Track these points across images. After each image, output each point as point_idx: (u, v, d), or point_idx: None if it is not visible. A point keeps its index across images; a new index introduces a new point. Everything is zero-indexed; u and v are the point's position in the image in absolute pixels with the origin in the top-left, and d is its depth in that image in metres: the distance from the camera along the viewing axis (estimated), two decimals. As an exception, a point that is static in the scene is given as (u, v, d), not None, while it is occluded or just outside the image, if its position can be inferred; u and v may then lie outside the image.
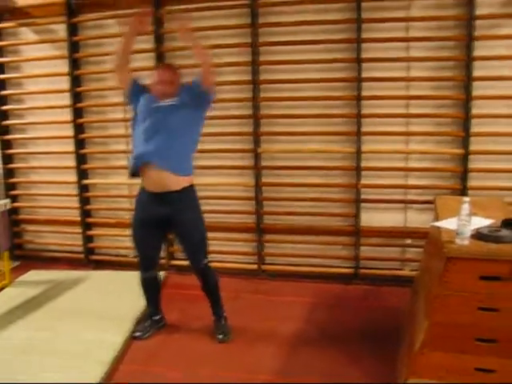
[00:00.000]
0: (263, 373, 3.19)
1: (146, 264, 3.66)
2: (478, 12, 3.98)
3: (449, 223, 2.82)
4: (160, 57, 4.67)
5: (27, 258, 5.41)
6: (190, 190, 3.45)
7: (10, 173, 5.34)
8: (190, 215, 3.46)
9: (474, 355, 2.57)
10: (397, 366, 3.09)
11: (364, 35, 4.19)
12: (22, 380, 3.08)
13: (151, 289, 3.75)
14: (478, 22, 4.00)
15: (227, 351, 3.48)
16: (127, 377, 3.18)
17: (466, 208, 2.55)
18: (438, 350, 2.61)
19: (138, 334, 3.68)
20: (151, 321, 3.77)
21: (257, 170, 4.62)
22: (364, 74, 4.25)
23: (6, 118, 5.23)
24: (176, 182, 3.35)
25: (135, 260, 5.00)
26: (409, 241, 4.51)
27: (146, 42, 4.66)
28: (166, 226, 3.50)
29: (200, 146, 4.67)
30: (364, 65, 4.24)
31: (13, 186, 5.37)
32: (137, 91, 3.50)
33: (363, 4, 4.15)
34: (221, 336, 3.61)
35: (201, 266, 3.54)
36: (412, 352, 2.73)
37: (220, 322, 3.69)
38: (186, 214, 3.44)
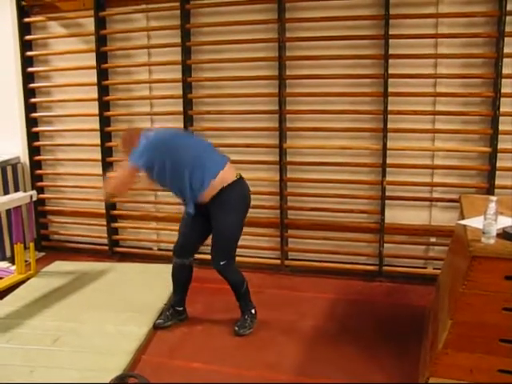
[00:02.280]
0: (283, 370, 3.20)
1: (180, 249, 3.70)
2: (510, 7, 3.90)
3: (475, 222, 2.79)
4: (187, 52, 4.69)
5: (53, 248, 5.48)
6: (224, 191, 3.43)
7: (37, 164, 5.41)
8: (219, 214, 3.48)
9: (498, 356, 2.54)
10: (418, 365, 3.08)
11: (391, 31, 4.15)
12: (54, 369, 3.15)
13: (180, 277, 3.76)
14: (508, 18, 3.92)
15: (249, 346, 3.50)
16: (150, 368, 3.21)
17: (492, 207, 2.52)
18: (462, 350, 2.58)
19: (158, 321, 3.74)
20: (173, 310, 3.81)
21: (282, 165, 4.61)
22: (391, 71, 4.21)
23: (34, 111, 5.30)
24: (207, 195, 3.42)
25: (159, 253, 5.11)
26: (433, 239, 4.48)
27: (173, 37, 4.69)
28: (208, 218, 3.54)
29: (225, 141, 4.73)
30: (391, 61, 4.20)
31: (40, 178, 5.45)
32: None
33: (391, 0, 4.11)
34: (236, 328, 3.64)
35: (217, 266, 3.57)
36: (435, 351, 2.71)
37: (242, 316, 3.71)
38: (217, 211, 3.48)
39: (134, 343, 3.43)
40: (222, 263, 3.54)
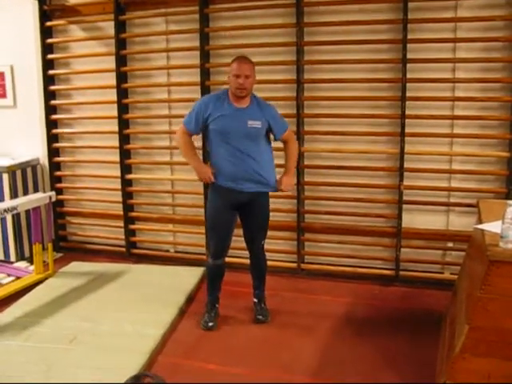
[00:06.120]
0: (298, 371, 3.20)
1: (221, 251, 3.78)
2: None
3: (492, 226, 2.78)
4: (206, 55, 4.71)
5: (70, 249, 5.53)
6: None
7: (56, 166, 5.46)
8: (267, 202, 3.77)
9: (516, 362, 2.52)
10: (434, 370, 3.06)
11: (410, 36, 4.14)
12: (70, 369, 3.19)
13: (218, 276, 3.85)
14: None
15: (265, 347, 3.51)
16: (165, 368, 3.22)
17: (510, 211, 2.50)
18: (479, 355, 2.55)
19: (211, 324, 3.77)
20: (215, 309, 3.86)
21: (299, 168, 4.60)
22: (409, 75, 4.19)
23: (54, 112, 5.36)
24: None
25: (176, 255, 5.13)
26: (450, 244, 4.45)
27: (192, 40, 4.72)
28: (240, 209, 3.72)
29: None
30: (409, 65, 4.19)
31: (59, 179, 5.50)
32: (203, 120, 3.59)
33: (410, 4, 4.10)
34: (260, 317, 3.79)
35: (260, 245, 3.84)
36: (452, 356, 2.69)
37: (260, 305, 3.85)
38: (265, 200, 3.76)
39: (150, 343, 3.45)
40: (263, 242, 3.85)
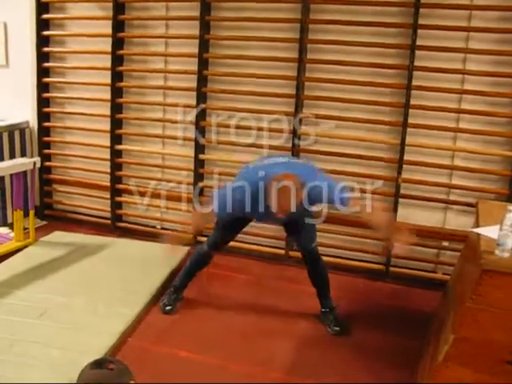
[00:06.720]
0: (273, 367, 3.07)
1: (220, 245, 3.65)
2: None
3: (490, 231, 2.59)
4: (206, 26, 4.49)
5: (56, 218, 5.37)
6: None
7: (45, 131, 5.27)
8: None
9: (504, 379, 2.34)
10: (417, 375, 2.90)
11: (421, 21, 3.91)
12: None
13: (203, 265, 3.69)
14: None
15: (241, 338, 3.36)
16: (134, 352, 3.09)
17: (510, 217, 2.32)
18: (464, 365, 2.38)
19: (168, 307, 3.62)
20: (178, 295, 3.70)
21: (294, 152, 4.40)
22: (416, 63, 3.98)
23: (47, 75, 5.15)
24: None
25: (162, 232, 4.97)
26: (446, 243, 4.28)
27: (192, 10, 4.48)
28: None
29: (240, 122, 4.52)
30: (418, 52, 3.97)
31: (47, 145, 5.31)
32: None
33: (423, -13, 3.87)
34: (337, 328, 3.48)
35: (311, 247, 3.55)
36: (434, 364, 2.53)
37: (333, 314, 3.57)
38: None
39: (121, 325, 3.31)
40: (314, 244, 3.57)
